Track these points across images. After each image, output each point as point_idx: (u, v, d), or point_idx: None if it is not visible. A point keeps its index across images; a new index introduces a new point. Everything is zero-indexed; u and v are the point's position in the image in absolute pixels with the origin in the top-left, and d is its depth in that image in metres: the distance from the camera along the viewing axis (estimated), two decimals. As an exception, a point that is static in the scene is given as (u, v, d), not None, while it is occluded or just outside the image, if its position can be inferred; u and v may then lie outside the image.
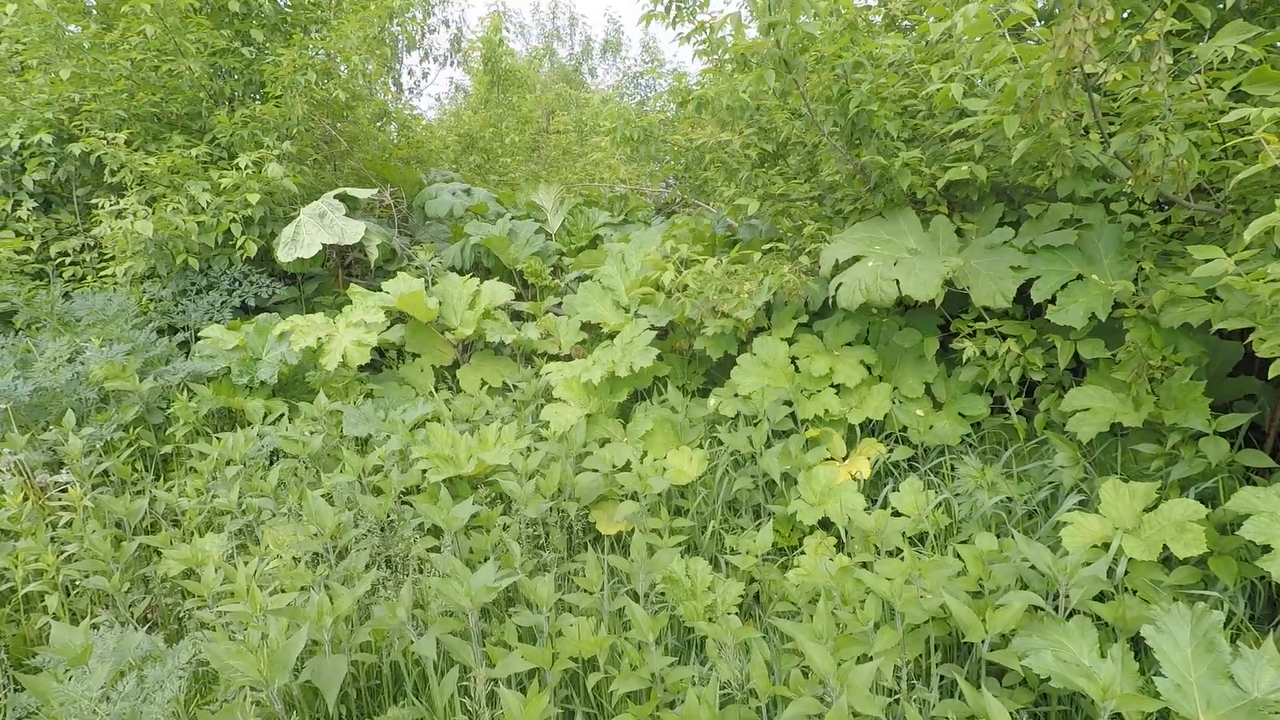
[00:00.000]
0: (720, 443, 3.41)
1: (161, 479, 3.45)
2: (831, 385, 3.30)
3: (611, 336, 4.26)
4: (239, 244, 4.47)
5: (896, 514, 2.76)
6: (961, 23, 2.41)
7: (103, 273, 4.79)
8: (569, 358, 4.40)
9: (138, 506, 2.76)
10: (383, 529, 2.77)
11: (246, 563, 2.53)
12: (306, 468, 3.20)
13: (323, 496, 2.87)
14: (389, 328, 4.53)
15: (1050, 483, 2.56)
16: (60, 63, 4.63)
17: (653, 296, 3.89)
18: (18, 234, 4.87)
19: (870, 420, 3.14)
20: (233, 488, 2.85)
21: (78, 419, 3.54)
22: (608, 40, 14.77)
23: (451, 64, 11.00)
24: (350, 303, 5.14)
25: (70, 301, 4.00)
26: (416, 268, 4.81)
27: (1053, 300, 2.66)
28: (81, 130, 4.73)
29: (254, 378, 3.77)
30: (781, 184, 3.67)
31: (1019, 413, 2.93)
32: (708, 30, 4.16)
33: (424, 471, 2.93)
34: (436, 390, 4.24)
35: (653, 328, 3.76)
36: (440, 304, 4.47)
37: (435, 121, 10.38)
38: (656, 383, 3.90)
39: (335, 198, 4.85)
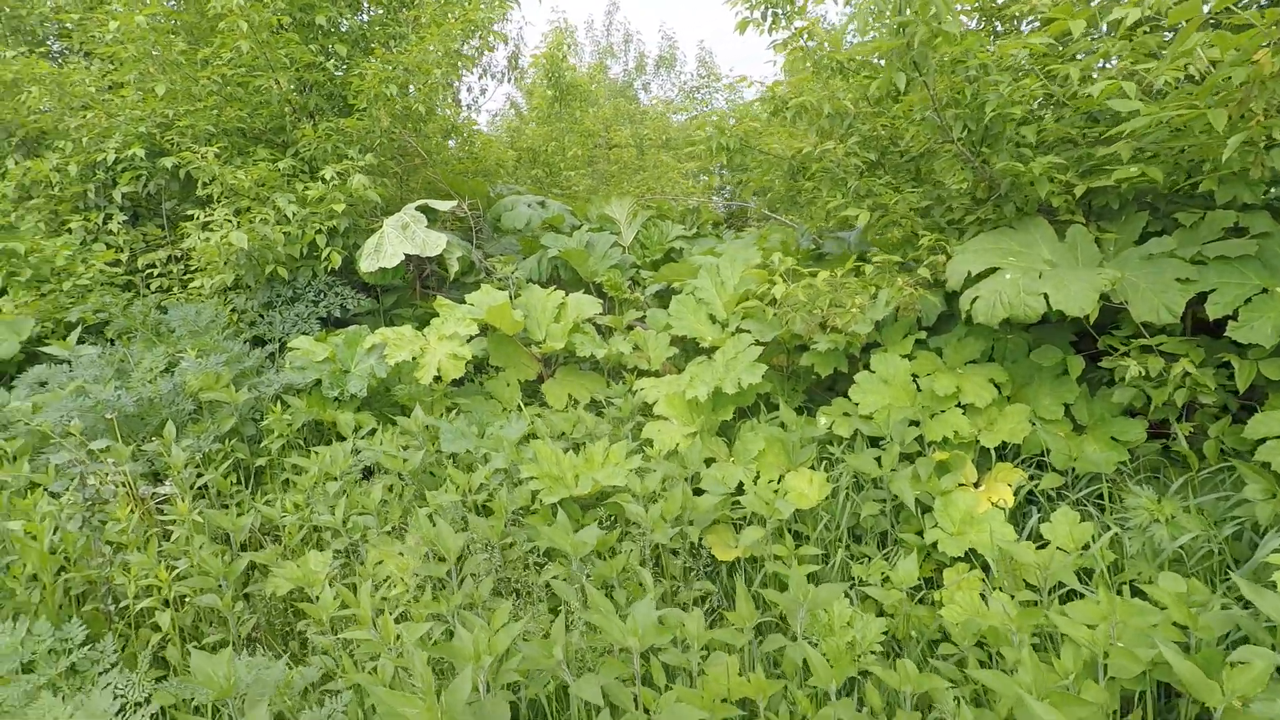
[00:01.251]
0: (833, 464, 3.21)
1: (256, 492, 3.37)
2: (957, 405, 3.09)
3: (707, 351, 4.10)
4: (324, 255, 4.44)
5: (1045, 547, 2.53)
6: (1133, 13, 2.22)
7: (190, 284, 4.81)
8: (658, 373, 4.25)
9: (244, 522, 2.67)
10: (492, 551, 2.63)
11: (358, 585, 2.42)
12: (406, 484, 3.09)
13: (428, 516, 2.75)
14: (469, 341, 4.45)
15: (1234, 518, 2.31)
16: (155, 79, 4.69)
17: (756, 310, 3.72)
18: (108, 246, 4.93)
19: (1005, 444, 2.92)
20: (337, 505, 2.74)
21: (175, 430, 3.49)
22: (662, 56, 14.77)
23: (508, 80, 11.07)
24: (436, 315, 5.11)
25: (164, 313, 3.99)
26: (499, 280, 4.72)
27: (1233, 316, 2.42)
28: (172, 145, 4.77)
29: (344, 390, 3.70)
30: (891, 194, 3.49)
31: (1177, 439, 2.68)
32: (805, 36, 4.03)
33: (535, 493, 2.80)
34: (522, 406, 4.13)
35: (757, 342, 3.59)
36: (525, 317, 4.37)
37: (492, 137, 10.44)
38: (758, 400, 3.73)
39: (416, 209, 4.80)
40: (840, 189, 3.64)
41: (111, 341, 4.34)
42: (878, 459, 2.86)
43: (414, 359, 3.62)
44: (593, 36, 15.12)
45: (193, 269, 4.86)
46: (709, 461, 3.41)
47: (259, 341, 4.36)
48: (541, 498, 2.69)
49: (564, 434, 3.48)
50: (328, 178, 4.39)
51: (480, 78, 8.33)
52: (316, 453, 3.21)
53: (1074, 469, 2.76)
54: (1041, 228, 3.08)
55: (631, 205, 6.35)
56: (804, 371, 3.85)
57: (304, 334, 4.24)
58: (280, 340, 4.29)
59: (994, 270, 2.88)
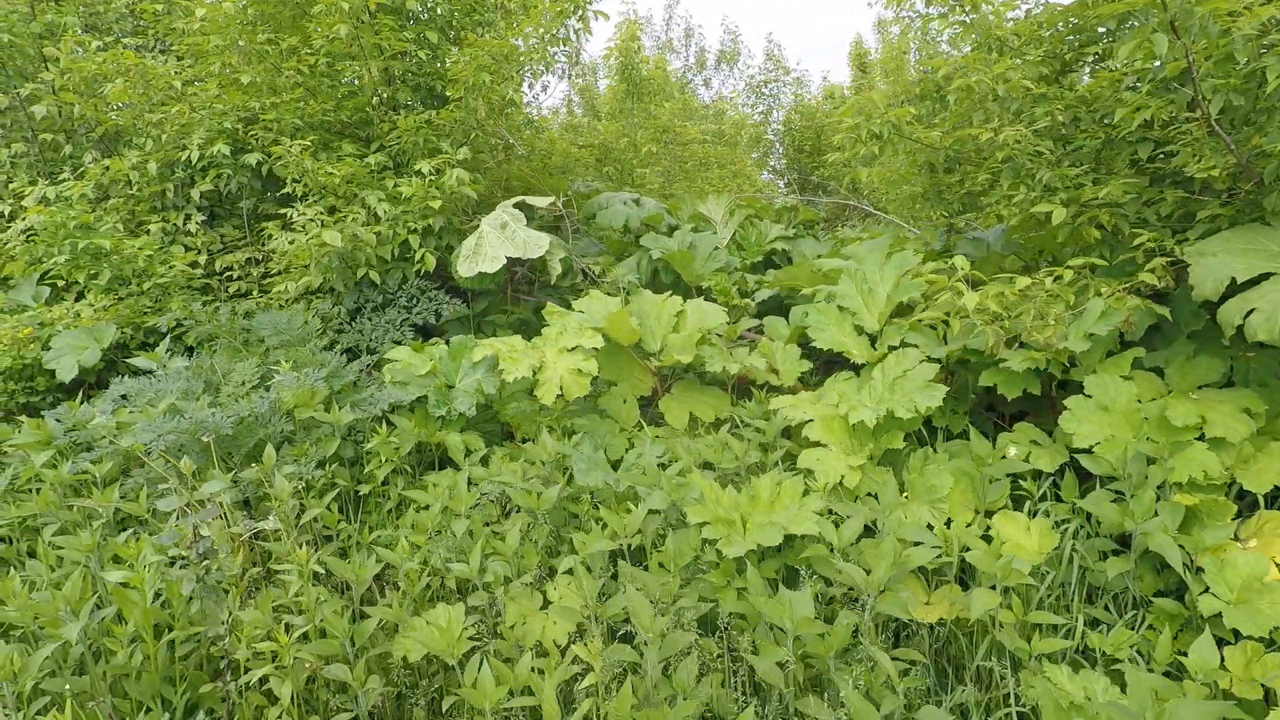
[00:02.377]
0: (1020, 503, 2.70)
1: (362, 526, 2.99)
2: (1198, 438, 2.56)
3: (853, 367, 3.61)
4: (417, 256, 4.06)
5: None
6: None
7: (274, 288, 4.49)
8: (790, 390, 3.78)
9: (368, 573, 2.27)
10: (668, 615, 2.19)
11: (501, 651, 2.00)
12: (539, 523, 2.67)
13: (579, 566, 2.32)
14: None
15: None
16: (239, 70, 4.38)
17: (935, 322, 3.22)
18: (187, 248, 4.64)
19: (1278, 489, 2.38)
20: (473, 551, 2.33)
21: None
22: (724, 51, 14.28)
23: (568, 76, 10.70)
24: (531, 322, 4.71)
25: (249, 319, 3.65)
26: (607, 285, 4.30)
27: None
28: (256, 141, 4.46)
29: (451, 409, 3.30)
30: (1095, 187, 2.96)
31: None
32: (968, 7, 3.53)
33: (707, 541, 2.35)
34: (643, 425, 3.70)
35: (928, 359, 3.10)
36: (639, 326, 3.93)
37: (556, 133, 10.10)
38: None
39: (514, 206, 4.41)
40: (1026, 181, 3.12)
41: (190, 349, 4.03)
42: (1130, 506, 2.34)
43: (534, 374, 3.21)
44: (651, 31, 14.72)
45: (272, 271, 4.54)
46: (874, 495, 2.93)
47: (349, 353, 4.00)
48: (721, 548, 2.24)
49: (708, 463, 3.02)
50: (424, 172, 4.01)
51: (540, 74, 8.00)
52: (432, 483, 2.82)
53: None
54: (1306, 224, 2.54)
55: (728, 203, 5.89)
56: (964, 392, 3.36)
57: (397, 343, 3.87)
58: (372, 350, 3.92)
59: (1268, 276, 2.35)
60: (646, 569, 2.41)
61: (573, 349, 3.33)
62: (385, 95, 4.64)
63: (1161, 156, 2.95)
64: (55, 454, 3.13)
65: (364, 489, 3.05)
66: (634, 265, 5.01)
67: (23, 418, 3.30)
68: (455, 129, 4.52)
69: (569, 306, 4.96)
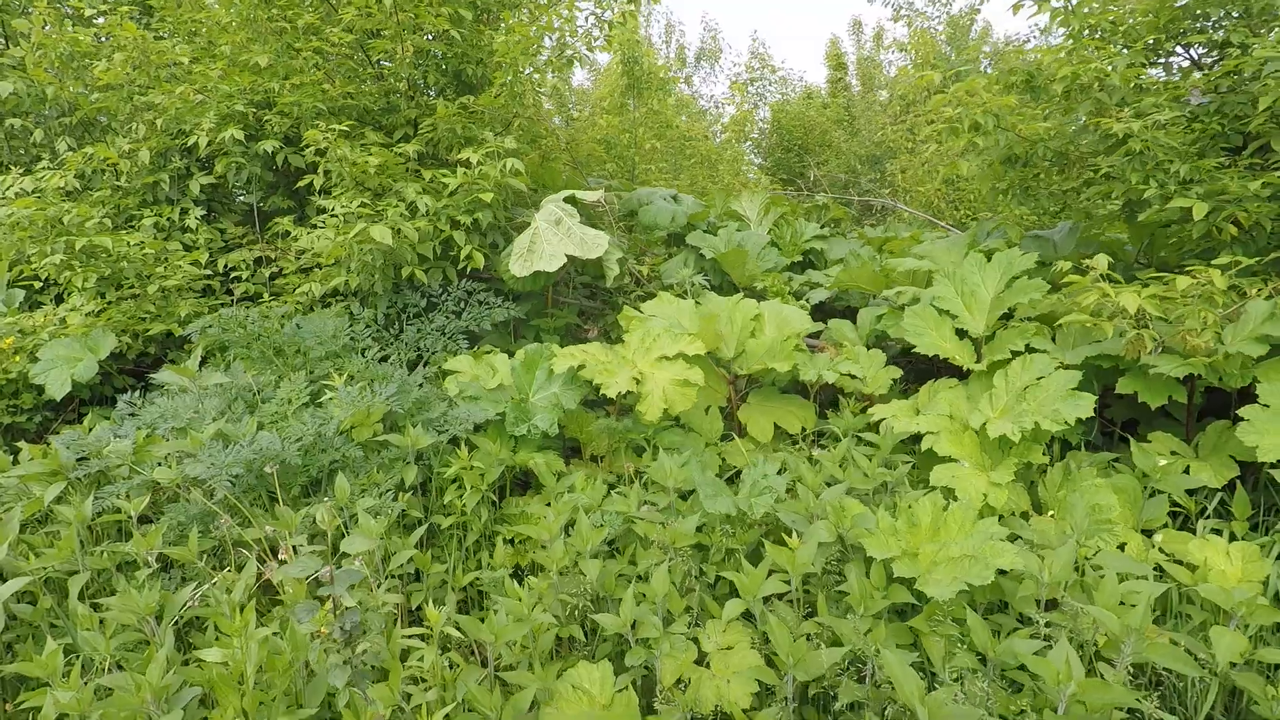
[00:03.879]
0: (1180, 523, 2.50)
1: (447, 565, 2.59)
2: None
3: (957, 373, 3.38)
4: (463, 254, 3.66)
5: None
6: None
7: (287, 290, 4.02)
8: (880, 399, 3.51)
9: (511, 633, 1.89)
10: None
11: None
12: (675, 560, 2.33)
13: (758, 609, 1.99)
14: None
15: None
16: (252, 51, 3.90)
17: (1039, 329, 2.99)
18: (186, 247, 4.12)
19: None
20: (625, 598, 1.97)
21: (325, 483, 2.71)
22: (704, 48, 14.04)
23: (553, 73, 10.27)
24: (570, 326, 4.35)
25: (297, 327, 3.19)
26: (678, 287, 3.97)
27: None
28: (270, 127, 3.98)
29: (532, 426, 2.93)
30: (1241, 181, 2.78)
31: None
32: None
33: (895, 579, 2.04)
34: (736, 438, 3.38)
35: (1063, 365, 2.87)
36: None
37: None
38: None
39: (565, 201, 4.04)
40: (1157, 175, 2.93)
41: (203, 361, 3.54)
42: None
43: (637, 388, 2.86)
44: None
45: (286, 271, 4.07)
46: (1025, 516, 2.69)
47: (406, 363, 3.56)
48: (922, 588, 1.94)
49: (835, 480, 2.73)
50: (472, 162, 3.61)
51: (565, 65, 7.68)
52: (539, 516, 2.45)
53: None
54: None
55: (763, 200, 5.63)
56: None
57: (452, 352, 3.46)
58: (421, 359, 3.50)
59: None
60: (814, 613, 2.10)
61: (673, 358, 2.99)
62: (415, 78, 4.21)
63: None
64: (67, 487, 2.65)
65: (443, 521, 2.65)
66: (680, 265, 4.70)
67: (21, 444, 2.79)
68: (495, 116, 4.13)
69: (617, 310, 4.63)
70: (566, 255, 3.71)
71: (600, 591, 2.19)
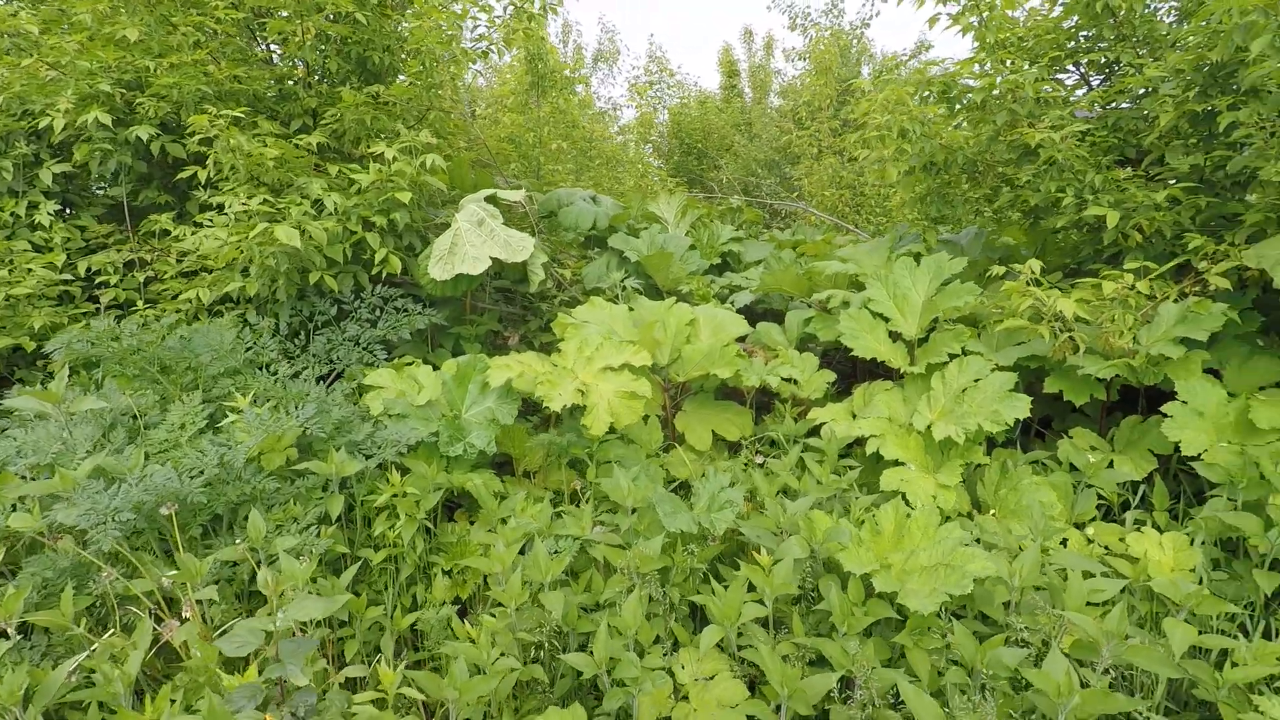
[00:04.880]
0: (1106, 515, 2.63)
1: (382, 605, 2.32)
2: None
3: (890, 375, 3.42)
4: (378, 258, 3.35)
5: None
6: None
7: (166, 298, 3.54)
8: (815, 403, 3.51)
9: (474, 689, 1.68)
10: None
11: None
12: (639, 584, 2.18)
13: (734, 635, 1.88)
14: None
15: None
16: (124, 21, 3.40)
17: (972, 333, 3.08)
18: (37, 247, 3.56)
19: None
20: (598, 634, 1.81)
21: (231, 520, 2.37)
22: (601, 50, 13.94)
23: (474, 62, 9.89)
24: (490, 334, 4.11)
25: (184, 340, 2.78)
26: (608, 291, 3.82)
27: None
28: (143, 111, 3.49)
29: (467, 445, 2.69)
30: (1146, 192, 2.97)
31: None
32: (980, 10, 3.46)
33: (876, 594, 1.98)
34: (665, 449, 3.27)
35: (999, 367, 2.96)
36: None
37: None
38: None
39: (486, 200, 3.80)
40: (1073, 184, 3.08)
41: (99, 385, 3.03)
42: (1270, 517, 2.28)
43: (582, 400, 2.68)
44: (526, 25, 14.04)
45: (166, 276, 3.60)
46: (970, 516, 2.74)
47: (317, 378, 3.20)
48: (905, 601, 1.88)
49: (790, 490, 2.67)
50: (388, 157, 3.31)
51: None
52: (481, 544, 2.24)
53: None
54: (1353, 229, 2.65)
55: (680, 203, 5.59)
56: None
57: (370, 365, 3.15)
58: (335, 373, 3.17)
59: (1357, 279, 2.40)
60: (789, 631, 2.02)
61: (618, 368, 2.84)
62: (313, 64, 3.83)
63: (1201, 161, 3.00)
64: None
65: (374, 556, 2.38)
66: (603, 268, 4.56)
67: None
68: (407, 109, 3.82)
69: (538, 315, 4.42)
70: (491, 258, 3.49)
71: (564, 627, 2.01)
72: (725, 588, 2.06)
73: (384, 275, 3.43)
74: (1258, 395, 2.72)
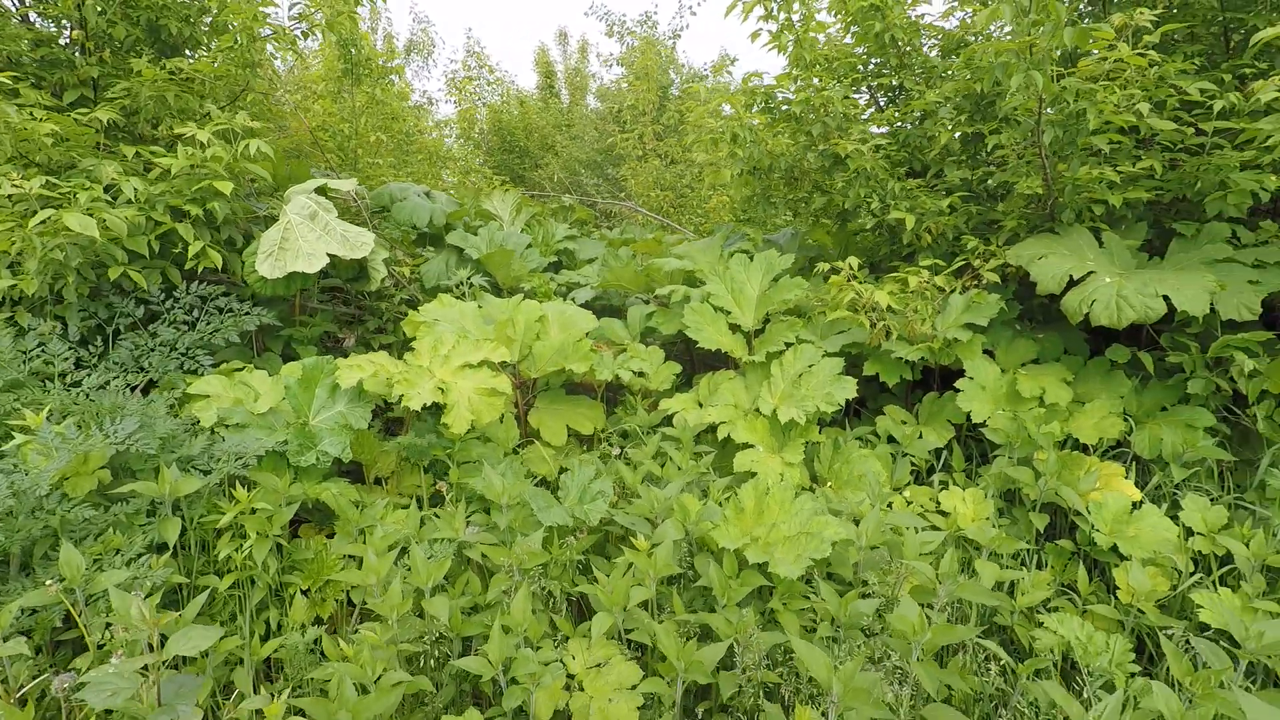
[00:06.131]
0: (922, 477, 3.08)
1: (239, 634, 2.10)
2: (1039, 405, 3.16)
3: (731, 365, 3.67)
4: (192, 252, 3.00)
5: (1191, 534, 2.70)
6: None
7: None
8: (664, 395, 3.68)
9: (370, 710, 1.59)
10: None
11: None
12: (519, 581, 2.17)
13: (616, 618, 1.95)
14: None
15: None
16: None
17: (803, 323, 3.41)
18: None
19: (1104, 441, 3.05)
20: (495, 648, 1.79)
21: (25, 560, 2.02)
22: (413, 40, 13.31)
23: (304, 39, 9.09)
24: (328, 334, 3.84)
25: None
26: (458, 288, 3.70)
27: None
28: None
29: (320, 453, 2.51)
30: (932, 198, 3.47)
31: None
32: (794, 32, 3.84)
33: (757, 568, 2.13)
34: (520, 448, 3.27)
35: (827, 354, 3.29)
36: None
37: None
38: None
39: (317, 192, 3.53)
40: (878, 191, 3.51)
41: None
42: (1039, 469, 2.77)
43: (442, 398, 2.59)
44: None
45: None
46: (810, 489, 3.03)
47: (127, 388, 2.77)
48: (775, 570, 2.05)
49: (653, 477, 2.79)
50: (201, 141, 2.97)
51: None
52: (343, 556, 2.11)
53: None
54: (1083, 234, 3.29)
55: (515, 200, 5.55)
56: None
57: (192, 371, 2.81)
58: (151, 382, 2.78)
59: (1088, 274, 2.99)
60: (671, 610, 2.13)
61: (476, 365, 2.78)
62: (99, 28, 3.31)
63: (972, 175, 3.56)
64: None
65: (219, 583, 2.14)
66: (442, 266, 4.41)
67: None
68: (217, 86, 3.44)
69: (376, 315, 4.18)
70: (329, 255, 3.25)
71: (448, 633, 1.96)
72: (608, 575, 2.13)
73: (200, 271, 3.07)
74: (1020, 370, 3.29)
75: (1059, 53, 2.89)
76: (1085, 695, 2.03)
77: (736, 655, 1.93)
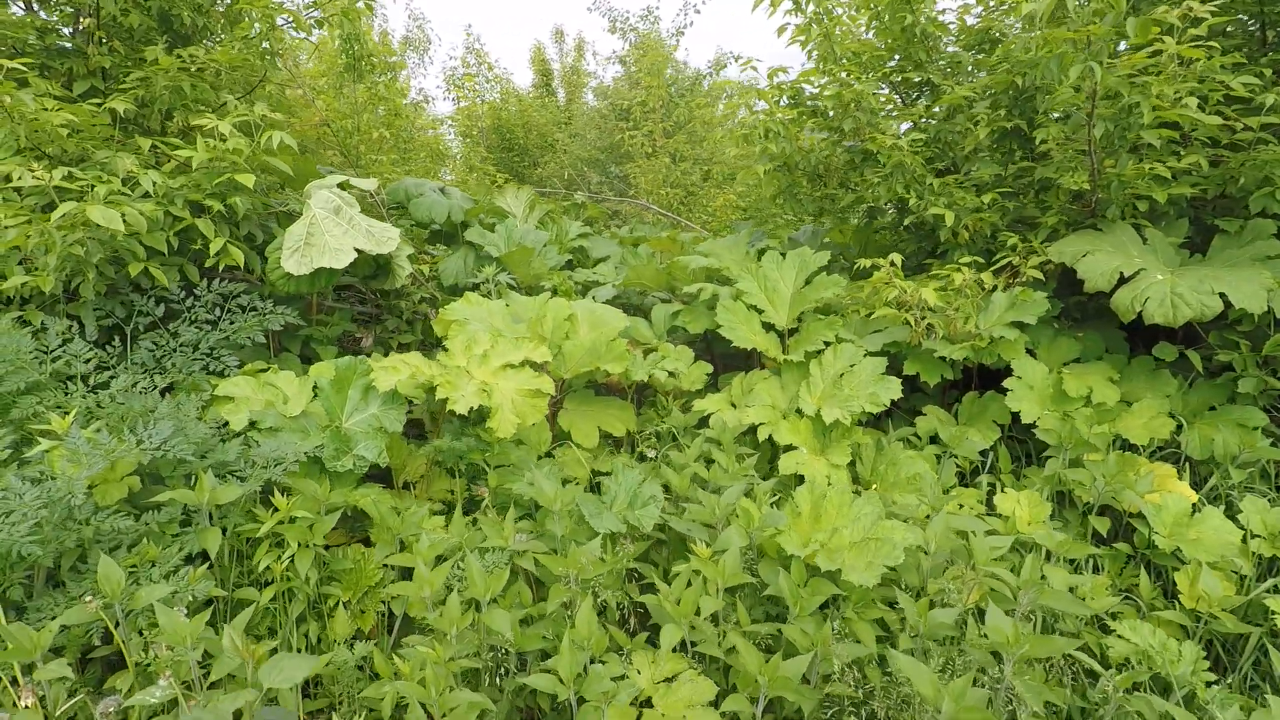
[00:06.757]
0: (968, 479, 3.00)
1: (294, 650, 1.98)
2: (1086, 405, 3.09)
3: (761, 363, 3.58)
4: (214, 248, 2.87)
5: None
6: None
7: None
8: (695, 395, 3.58)
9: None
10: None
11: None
12: (577, 590, 2.07)
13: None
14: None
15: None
16: None
17: (838, 322, 3.32)
18: None
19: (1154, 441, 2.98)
20: (564, 663, 1.69)
21: (54, 573, 1.90)
22: (409, 37, 13.14)
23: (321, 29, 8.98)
24: (347, 334, 3.73)
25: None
26: (483, 286, 3.59)
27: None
28: None
29: (356, 458, 2.40)
30: (971, 194, 3.39)
31: None
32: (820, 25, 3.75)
33: (825, 575, 2.04)
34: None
35: (869, 353, 3.21)
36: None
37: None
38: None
39: (339, 187, 3.41)
40: (915, 188, 3.43)
41: None
42: (1104, 473, 2.69)
43: (488, 403, 2.48)
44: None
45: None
46: (857, 492, 2.95)
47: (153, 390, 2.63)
48: (849, 578, 1.96)
49: (701, 480, 2.70)
50: (224, 132, 2.84)
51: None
52: (377, 567, 2.01)
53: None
54: (1126, 230, 3.23)
55: (529, 197, 5.44)
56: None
57: (217, 373, 2.69)
58: (171, 384, 2.65)
59: (1139, 271, 2.93)
60: (738, 623, 2.03)
61: (518, 365, 2.68)
62: (107, 15, 3.17)
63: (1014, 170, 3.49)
64: None
65: (260, 596, 2.03)
66: (461, 263, 4.30)
67: None
68: (234, 77, 3.31)
69: (395, 314, 4.06)
70: (355, 250, 3.14)
71: (509, 647, 1.86)
72: (668, 585, 2.03)
73: (220, 269, 2.95)
74: (1064, 370, 3.22)
75: (1122, 45, 2.82)
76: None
77: (812, 669, 1.84)
